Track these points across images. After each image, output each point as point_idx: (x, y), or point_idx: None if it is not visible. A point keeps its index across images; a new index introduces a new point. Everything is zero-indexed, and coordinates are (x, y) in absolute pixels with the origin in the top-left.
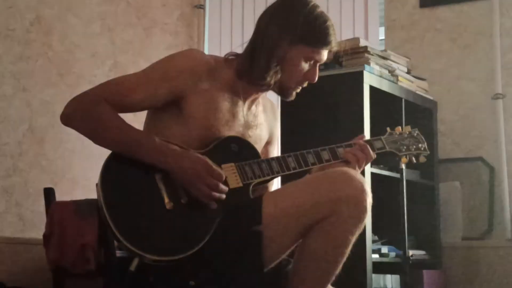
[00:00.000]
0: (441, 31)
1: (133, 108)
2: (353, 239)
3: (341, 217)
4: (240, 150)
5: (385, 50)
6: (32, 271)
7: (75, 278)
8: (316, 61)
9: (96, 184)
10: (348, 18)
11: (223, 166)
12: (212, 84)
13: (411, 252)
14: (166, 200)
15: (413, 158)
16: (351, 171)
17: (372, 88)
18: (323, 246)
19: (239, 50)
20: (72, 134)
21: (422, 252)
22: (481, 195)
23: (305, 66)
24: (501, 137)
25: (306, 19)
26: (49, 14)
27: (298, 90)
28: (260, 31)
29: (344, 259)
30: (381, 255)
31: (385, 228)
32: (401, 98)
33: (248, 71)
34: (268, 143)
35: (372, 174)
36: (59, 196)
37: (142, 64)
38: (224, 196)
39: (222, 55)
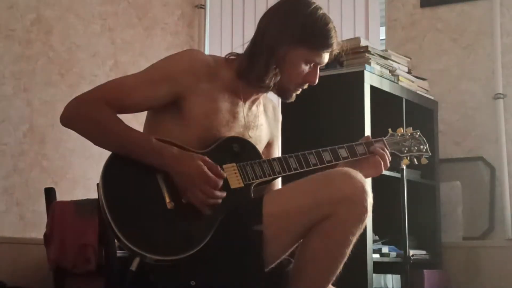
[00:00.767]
0: (442, 31)
1: (133, 109)
2: (354, 239)
3: (342, 218)
4: (241, 150)
5: (385, 50)
6: (33, 271)
7: (76, 278)
8: (316, 64)
9: (97, 184)
10: (348, 18)
11: (224, 166)
12: (212, 84)
13: (411, 252)
14: (167, 199)
15: (415, 160)
16: (351, 171)
17: (372, 88)
18: (323, 246)
19: (240, 50)
20: (73, 134)
21: (422, 252)
22: (481, 195)
23: (305, 68)
24: (501, 137)
25: (306, 21)
26: (50, 14)
27: (298, 92)
28: (260, 32)
29: (345, 259)
30: (382, 255)
31: (386, 228)
32: (401, 98)
33: (247, 72)
34: (269, 144)
35: None
36: (60, 196)
37: (143, 64)
38: (219, 201)
39: (223, 55)
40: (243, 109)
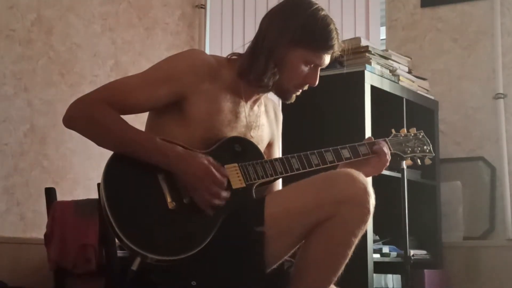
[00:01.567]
0: (442, 31)
1: (135, 109)
2: (356, 240)
3: (344, 219)
4: (243, 150)
5: (386, 50)
6: (33, 271)
7: (76, 278)
8: (316, 65)
9: (98, 184)
10: (349, 17)
11: (226, 166)
12: (214, 84)
13: (412, 252)
14: (169, 199)
15: (418, 160)
16: (354, 172)
17: (373, 88)
18: (325, 248)
19: (242, 50)
20: (73, 134)
21: (423, 252)
22: (482, 195)
23: (305, 69)
24: (502, 137)
25: (307, 21)
26: (50, 14)
27: (298, 93)
28: (262, 32)
29: (347, 260)
30: (382, 254)
31: (386, 228)
32: (402, 98)
33: (247, 72)
34: (270, 145)
35: None
36: (60, 196)
37: (143, 64)
38: (223, 202)
39: (224, 55)
40: (244, 109)
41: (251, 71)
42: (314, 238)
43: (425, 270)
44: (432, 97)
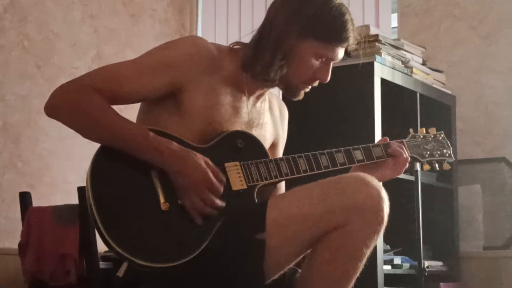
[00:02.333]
0: (460, 18)
1: (126, 99)
2: (368, 252)
3: (355, 228)
4: (246, 147)
5: (398, 39)
6: (7, 284)
7: None
8: (328, 59)
9: (79, 188)
10: (357, 3)
11: (226, 164)
12: (214, 75)
13: (426, 263)
14: (162, 200)
15: (436, 165)
16: (367, 177)
17: (383, 81)
18: (333, 259)
19: (245, 39)
20: (51, 132)
21: (439, 263)
22: (504, 199)
23: (315, 63)
24: None
25: (319, 10)
26: (25, 0)
27: (307, 90)
28: (268, 20)
29: (357, 274)
30: (394, 266)
31: (398, 236)
32: (415, 93)
33: (252, 64)
34: (273, 145)
35: None
36: (36, 201)
37: (129, 55)
38: (216, 212)
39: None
40: (246, 104)
41: (255, 63)
42: (321, 248)
43: (441, 284)
44: (449, 92)
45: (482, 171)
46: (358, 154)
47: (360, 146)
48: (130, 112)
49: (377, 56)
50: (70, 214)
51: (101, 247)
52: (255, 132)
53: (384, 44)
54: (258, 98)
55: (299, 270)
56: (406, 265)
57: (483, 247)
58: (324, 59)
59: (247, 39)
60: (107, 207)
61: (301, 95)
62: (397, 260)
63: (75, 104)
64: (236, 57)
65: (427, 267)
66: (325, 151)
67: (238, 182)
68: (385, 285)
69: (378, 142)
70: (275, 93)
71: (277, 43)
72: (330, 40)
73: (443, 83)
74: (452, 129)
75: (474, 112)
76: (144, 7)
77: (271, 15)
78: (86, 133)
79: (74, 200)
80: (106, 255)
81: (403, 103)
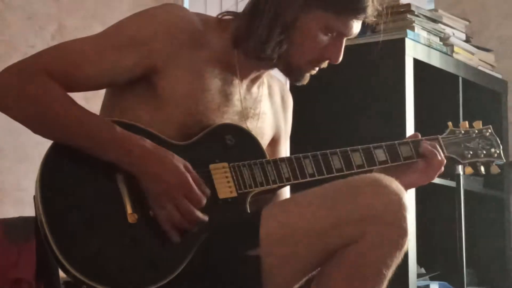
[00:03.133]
0: None
1: (87, 85)
2: (389, 272)
3: (372, 243)
4: (238, 144)
5: (435, 10)
6: None
7: None
8: (340, 34)
9: (34, 196)
10: None
11: (212, 166)
12: (198, 53)
13: None
14: (129, 210)
15: (482, 168)
16: (384, 178)
17: (417, 63)
18: (347, 282)
19: (240, 7)
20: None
21: None
22: None
23: (324, 39)
24: None
25: None
26: None
27: (314, 72)
28: None
29: None
30: None
31: (435, 257)
32: (457, 77)
33: (244, 38)
34: (274, 141)
35: None
36: None
37: (96, 30)
38: (195, 227)
39: (210, 15)
40: (239, 89)
41: (249, 37)
42: (332, 268)
43: None
44: (499, 76)
45: None
46: (380, 154)
47: (383, 144)
48: (99, 101)
49: (408, 31)
50: (25, 229)
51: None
52: (250, 125)
53: (418, 16)
54: (253, 81)
55: None
56: None
57: None
58: (334, 34)
59: (242, 6)
60: (61, 220)
61: (305, 79)
62: (434, 286)
63: (23, 92)
64: (226, 30)
65: None
66: (337, 150)
67: (226, 189)
68: None
69: (406, 138)
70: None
71: (276, 13)
72: (343, 11)
73: (491, 65)
74: (502, 122)
75: None
76: None
77: None
78: (37, 128)
79: (29, 212)
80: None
81: (441, 90)
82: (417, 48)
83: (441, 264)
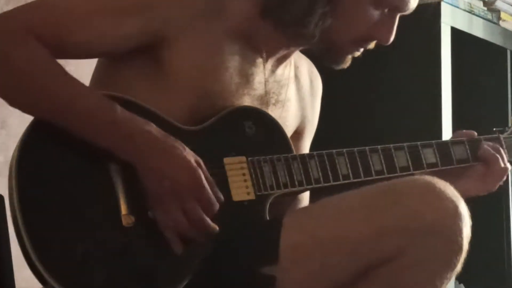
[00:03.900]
0: None
1: (78, 52)
2: None
3: (417, 260)
4: (258, 134)
5: None
6: None
7: None
8: (394, 9)
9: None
10: None
11: (227, 160)
12: (215, 23)
13: None
14: (124, 211)
15: None
16: (438, 182)
17: (455, 33)
18: None
19: None
20: None
21: None
22: None
23: (375, 14)
24: None
25: None
26: None
27: (357, 54)
28: None
29: None
30: None
31: (479, 271)
32: (504, 50)
33: (277, 8)
34: (299, 134)
35: None
36: None
37: None
38: (202, 237)
39: None
40: (263, 70)
41: (285, 7)
42: None
43: None
44: None
45: None
46: (430, 155)
47: (434, 142)
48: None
49: None
50: None
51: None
52: (273, 112)
53: None
54: (280, 61)
55: None
56: None
57: None
58: (387, 10)
59: None
60: (41, 220)
61: (347, 62)
62: None
63: (3, 56)
64: None
65: None
66: (378, 147)
67: (242, 189)
68: None
69: (461, 136)
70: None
71: None
72: None
73: None
74: None
75: None
76: None
77: None
78: (17, 100)
79: None
80: None
81: (485, 65)
82: (455, 14)
83: (485, 281)
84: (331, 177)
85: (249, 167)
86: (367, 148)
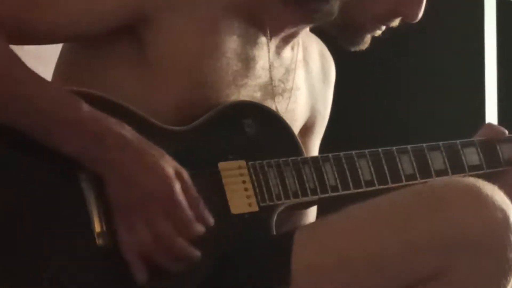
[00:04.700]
0: None
1: (41, 36)
2: None
3: (461, 280)
4: (260, 133)
5: None
6: None
7: None
8: None
9: None
10: None
11: (222, 165)
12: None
13: None
14: (97, 228)
15: None
16: (485, 186)
17: (502, 4)
18: None
19: None
20: None
21: None
22: None
23: None
24: None
25: None
26: None
27: (378, 33)
28: None
29: None
30: None
31: None
32: None
33: None
34: (308, 129)
35: None
36: None
37: None
38: (176, 265)
39: None
40: (267, 52)
41: None
42: None
43: None
44: None
45: None
46: (472, 156)
47: (476, 140)
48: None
49: None
50: None
51: None
52: (279, 106)
53: None
54: (286, 41)
55: None
56: None
57: None
58: None
59: None
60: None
61: (366, 42)
62: None
63: None
64: None
65: None
66: (408, 147)
67: (242, 200)
68: None
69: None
70: None
71: None
72: None
73: None
74: None
75: None
76: None
77: None
78: None
79: None
80: None
81: None
82: None
83: None
84: (351, 184)
85: (250, 173)
86: (394, 148)
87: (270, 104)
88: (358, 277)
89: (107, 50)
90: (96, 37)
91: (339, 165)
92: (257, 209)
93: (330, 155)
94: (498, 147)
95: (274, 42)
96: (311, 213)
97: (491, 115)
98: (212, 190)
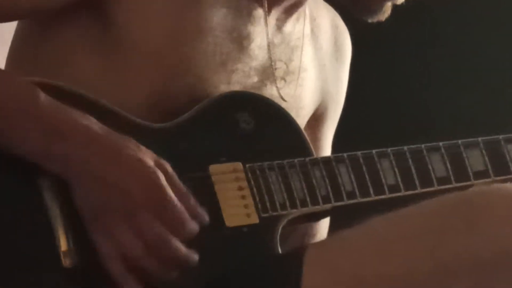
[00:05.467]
0: None
1: (6, 10)
2: None
3: None
4: (259, 130)
5: None
6: None
7: None
8: None
9: None
10: None
11: (213, 168)
12: None
13: None
14: (63, 245)
15: None
16: None
17: None
18: None
19: None
20: None
21: None
22: None
23: None
24: None
25: None
26: None
27: (401, 0)
28: None
29: None
30: None
31: None
32: None
33: None
34: (316, 120)
35: None
36: None
37: None
38: (172, 271)
39: None
40: (264, 27)
41: None
42: None
43: None
44: None
45: None
46: None
47: None
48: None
49: None
50: None
51: None
52: (282, 92)
53: None
54: (289, 12)
55: None
56: None
57: None
58: None
59: None
60: None
61: (385, 11)
62: None
63: None
64: None
65: None
66: (440, 143)
67: (239, 209)
68: None
69: None
70: None
71: None
72: None
73: None
74: None
75: None
76: None
77: None
78: None
79: None
80: None
81: None
82: None
83: None
84: (371, 190)
85: (248, 177)
86: (423, 145)
87: (271, 90)
88: None
89: (67, 30)
90: (52, 15)
91: (356, 166)
92: (257, 221)
93: (345, 154)
94: None
95: (274, 15)
96: (323, 227)
97: None
98: (202, 198)
